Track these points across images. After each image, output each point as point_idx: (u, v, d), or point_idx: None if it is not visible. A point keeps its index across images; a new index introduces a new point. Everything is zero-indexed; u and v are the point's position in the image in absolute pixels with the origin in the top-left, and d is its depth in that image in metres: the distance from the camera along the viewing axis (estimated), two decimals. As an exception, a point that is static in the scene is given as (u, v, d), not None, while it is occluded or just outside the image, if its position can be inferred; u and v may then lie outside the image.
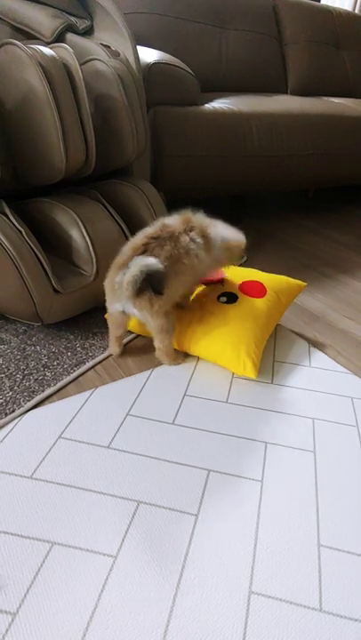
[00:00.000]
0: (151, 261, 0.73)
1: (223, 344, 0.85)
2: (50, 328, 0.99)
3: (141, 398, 0.80)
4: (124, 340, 0.94)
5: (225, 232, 0.88)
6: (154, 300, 0.76)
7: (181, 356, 0.91)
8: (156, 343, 0.85)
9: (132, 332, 0.98)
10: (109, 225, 1.03)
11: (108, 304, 0.83)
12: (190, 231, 0.82)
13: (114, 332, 0.88)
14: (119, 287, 0.76)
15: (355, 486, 0.65)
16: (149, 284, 0.75)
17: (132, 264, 0.73)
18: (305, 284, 1.05)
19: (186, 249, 0.79)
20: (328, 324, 1.10)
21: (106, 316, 0.90)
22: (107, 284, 0.80)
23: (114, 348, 0.90)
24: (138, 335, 0.98)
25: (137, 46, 1.21)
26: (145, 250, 0.77)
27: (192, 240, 0.81)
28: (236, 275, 1.01)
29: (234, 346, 0.84)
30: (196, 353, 0.89)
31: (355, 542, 0.58)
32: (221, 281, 0.99)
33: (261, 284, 0.97)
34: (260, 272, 1.03)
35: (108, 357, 0.91)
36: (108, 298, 0.81)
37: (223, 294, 0.94)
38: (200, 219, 0.86)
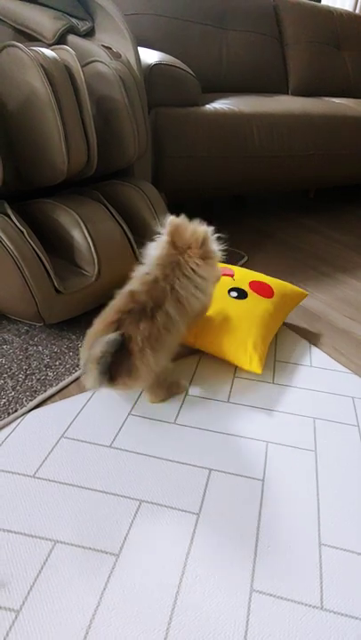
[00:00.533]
0: (102, 345, 0.63)
1: (232, 338, 0.85)
2: (52, 328, 0.99)
3: (143, 398, 0.80)
4: None
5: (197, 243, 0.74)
6: (130, 383, 0.68)
7: (184, 383, 0.83)
8: (147, 396, 0.79)
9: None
10: (111, 225, 1.04)
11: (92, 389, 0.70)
12: (177, 279, 0.71)
13: None
14: (87, 370, 0.66)
15: (355, 485, 0.66)
16: (114, 362, 0.65)
17: (87, 358, 0.65)
18: (307, 293, 1.06)
19: (165, 325, 0.69)
20: (329, 324, 1.10)
21: None
22: (81, 355, 0.71)
23: None
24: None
25: (138, 47, 1.21)
26: (118, 327, 0.67)
27: (167, 315, 0.69)
28: (244, 274, 1.02)
29: (242, 340, 0.85)
30: (203, 346, 0.89)
31: (356, 541, 0.58)
32: (231, 275, 1.00)
33: (269, 285, 0.99)
34: (266, 276, 1.04)
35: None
36: (90, 386, 0.68)
37: (233, 289, 0.95)
38: (176, 235, 0.74)
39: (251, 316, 0.88)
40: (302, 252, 1.58)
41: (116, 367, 0.66)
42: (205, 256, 0.75)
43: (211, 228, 0.77)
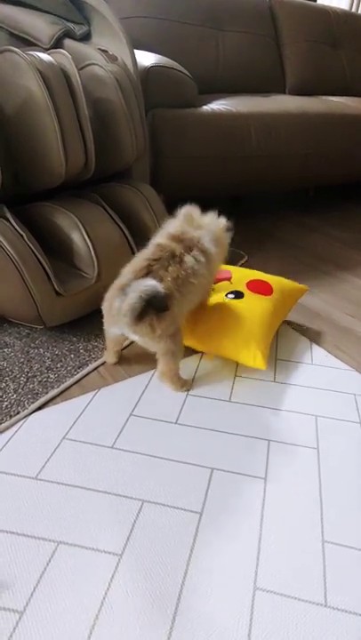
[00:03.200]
0: (150, 283, 0.69)
1: (234, 337, 0.85)
2: (53, 331, 0.99)
3: (144, 398, 0.80)
4: (125, 343, 0.94)
5: (210, 228, 0.84)
6: (156, 325, 0.72)
7: (188, 382, 0.84)
8: (160, 366, 0.80)
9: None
10: (110, 227, 1.04)
11: (105, 326, 0.79)
12: (191, 250, 0.78)
13: (111, 347, 0.87)
14: (117, 313, 0.71)
15: (358, 482, 0.66)
16: (151, 307, 0.70)
17: (129, 290, 0.69)
18: (307, 287, 1.06)
19: (192, 270, 0.76)
20: (330, 322, 1.10)
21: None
22: (105, 307, 0.76)
23: (110, 359, 0.89)
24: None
25: (134, 50, 1.22)
26: (148, 272, 0.73)
27: (196, 260, 0.77)
28: (242, 274, 1.02)
29: (244, 338, 0.85)
30: (206, 348, 0.90)
31: (359, 538, 0.58)
32: (228, 279, 1.00)
33: (268, 282, 0.99)
34: (265, 274, 1.04)
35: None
36: (105, 321, 0.78)
37: (231, 292, 0.95)
38: (190, 221, 0.83)
39: (251, 314, 0.88)
40: (302, 250, 1.58)
41: (147, 306, 0.69)
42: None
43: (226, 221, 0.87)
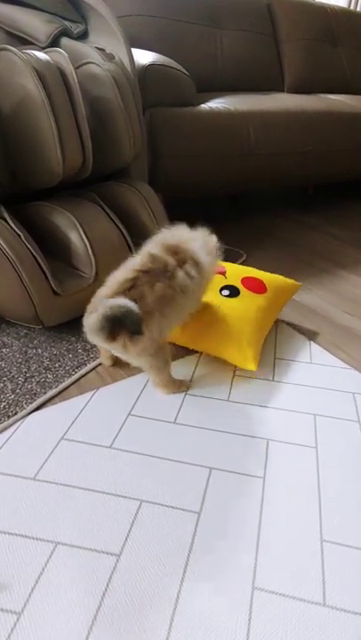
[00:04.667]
0: (117, 303, 0.64)
1: (225, 337, 0.85)
2: (51, 331, 0.99)
3: (143, 398, 0.80)
4: None
5: (203, 244, 0.80)
6: (129, 347, 0.68)
7: (184, 383, 0.83)
8: (150, 377, 0.79)
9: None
10: (108, 227, 1.04)
11: (89, 339, 0.72)
12: (184, 263, 0.73)
13: (104, 352, 0.86)
14: (89, 330, 0.67)
15: (357, 481, 0.65)
16: (124, 328, 0.66)
17: (100, 306, 0.65)
18: (300, 284, 1.06)
19: (182, 287, 0.72)
20: (328, 320, 1.10)
21: None
22: (84, 322, 0.70)
23: (106, 362, 0.88)
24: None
25: (132, 48, 1.22)
26: (132, 286, 0.68)
27: (188, 275, 0.73)
28: (236, 270, 1.02)
29: (236, 339, 0.84)
30: (199, 346, 0.89)
31: (358, 537, 0.58)
32: (223, 273, 0.99)
33: (261, 280, 0.98)
34: (259, 270, 1.03)
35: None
36: (88, 336, 0.71)
37: (225, 287, 0.95)
38: (180, 236, 0.79)
39: (243, 314, 0.88)
40: (301, 248, 1.58)
41: (119, 326, 0.65)
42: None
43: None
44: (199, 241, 0.80)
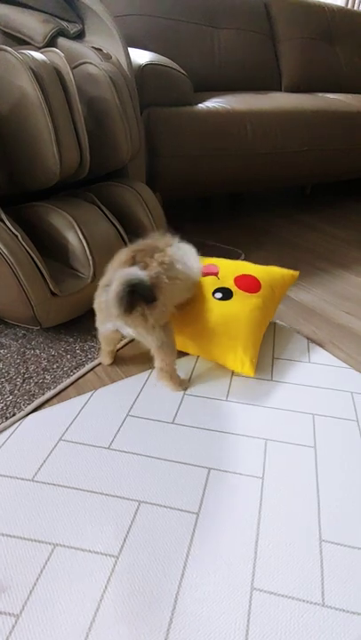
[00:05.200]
0: (132, 271, 0.69)
1: (221, 342, 0.85)
2: (49, 331, 0.99)
3: (141, 399, 0.80)
4: (119, 344, 0.93)
5: (179, 245, 0.85)
6: (148, 314, 0.71)
7: (185, 382, 0.84)
8: (157, 362, 0.79)
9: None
10: (106, 227, 1.04)
11: (98, 324, 0.79)
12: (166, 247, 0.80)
13: (106, 347, 0.86)
14: (106, 307, 0.72)
15: (356, 481, 0.65)
16: (139, 296, 0.69)
17: (113, 279, 0.69)
18: (298, 272, 1.03)
19: (175, 256, 0.78)
20: (326, 320, 1.10)
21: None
22: (95, 305, 0.77)
23: (106, 360, 0.89)
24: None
25: (129, 48, 1.21)
26: (132, 263, 0.73)
27: (176, 254, 0.79)
28: (230, 268, 0.99)
29: (231, 344, 0.84)
30: (195, 352, 0.89)
31: (357, 537, 0.58)
32: (215, 274, 0.97)
33: (255, 278, 0.95)
34: (252, 265, 1.00)
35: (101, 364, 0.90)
36: (98, 318, 0.78)
37: (218, 290, 0.93)
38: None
39: (238, 318, 0.86)
40: (299, 248, 1.58)
41: (135, 296, 0.68)
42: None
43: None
44: (174, 246, 0.83)
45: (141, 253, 0.75)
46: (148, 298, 0.70)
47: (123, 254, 0.76)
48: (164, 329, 0.75)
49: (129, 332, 0.76)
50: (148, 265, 0.73)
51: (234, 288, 0.92)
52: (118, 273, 0.69)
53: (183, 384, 0.83)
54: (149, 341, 0.76)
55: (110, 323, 0.76)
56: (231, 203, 2.11)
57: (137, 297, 0.69)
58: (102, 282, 0.75)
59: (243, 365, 0.83)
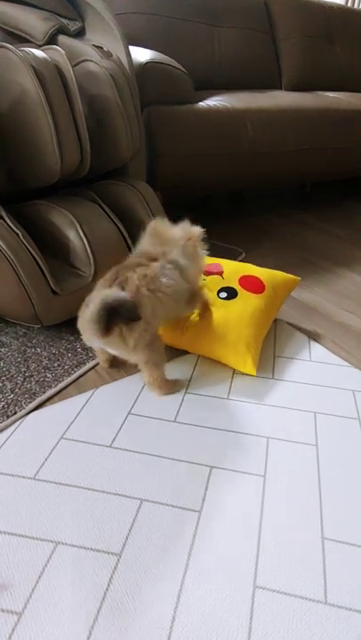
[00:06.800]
0: (110, 292, 0.66)
1: (224, 341, 0.85)
2: (50, 330, 0.99)
3: (142, 397, 0.80)
4: None
5: (178, 243, 0.80)
6: (127, 335, 0.68)
7: (179, 383, 0.83)
8: (145, 377, 0.78)
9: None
10: (106, 225, 1.03)
11: (85, 342, 0.77)
12: (156, 260, 0.76)
13: (101, 356, 0.86)
14: (84, 328, 0.70)
15: (358, 479, 0.65)
16: (120, 316, 0.67)
17: (90, 300, 0.67)
18: (299, 278, 1.06)
19: (159, 270, 0.74)
20: (327, 318, 1.10)
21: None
22: (79, 324, 0.74)
23: (103, 364, 0.88)
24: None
25: (130, 46, 1.21)
26: (115, 279, 0.71)
27: (162, 266, 0.75)
28: (234, 268, 1.01)
29: (234, 343, 0.84)
30: (197, 350, 0.89)
31: (359, 534, 0.58)
32: (220, 273, 0.99)
33: (259, 279, 0.97)
34: (256, 267, 1.03)
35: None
36: (83, 337, 0.75)
37: (223, 289, 0.94)
38: (157, 237, 0.80)
39: (241, 317, 0.87)
40: (300, 247, 1.57)
41: (114, 316, 0.66)
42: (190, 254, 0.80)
43: (200, 230, 0.83)
44: (172, 244, 0.79)
45: (124, 270, 0.73)
46: (132, 317, 0.67)
47: (109, 273, 0.74)
48: (149, 347, 0.72)
49: (110, 351, 0.74)
50: (127, 281, 0.70)
51: (238, 288, 0.94)
52: (96, 295, 0.67)
53: (177, 385, 0.82)
54: (134, 360, 0.75)
55: (94, 342, 0.75)
56: (231, 201, 2.11)
57: (115, 318, 0.66)
58: (86, 300, 0.73)
59: (245, 364, 0.83)
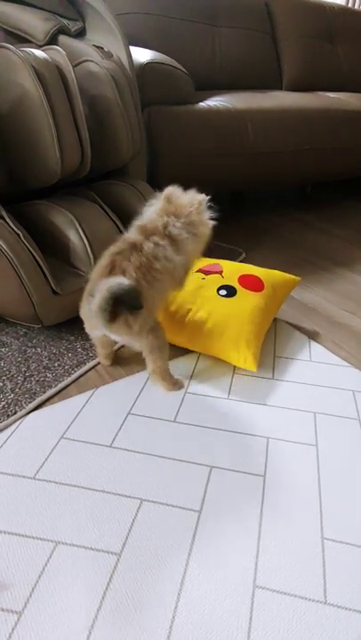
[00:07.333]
0: (116, 281, 0.67)
1: (224, 338, 0.85)
2: (50, 330, 0.99)
3: (143, 397, 0.80)
4: (116, 346, 0.92)
5: (182, 212, 0.79)
6: (132, 321, 0.70)
7: (180, 382, 0.83)
8: (149, 365, 0.78)
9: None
10: (106, 225, 1.03)
11: (88, 331, 0.79)
12: (151, 236, 0.75)
13: (102, 350, 0.86)
14: (90, 316, 0.71)
15: (357, 479, 0.65)
16: (124, 304, 0.68)
17: (96, 290, 0.68)
18: (299, 278, 1.06)
19: (153, 254, 0.73)
20: (328, 318, 1.10)
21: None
22: (81, 313, 0.76)
23: (104, 361, 0.88)
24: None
25: (130, 46, 1.21)
26: (112, 268, 0.71)
27: (156, 244, 0.74)
28: (233, 268, 1.01)
29: (234, 339, 0.84)
30: (197, 347, 0.89)
31: (359, 535, 0.58)
32: (220, 272, 0.99)
33: (259, 278, 0.98)
34: (256, 267, 1.03)
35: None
36: (86, 326, 0.78)
37: (222, 287, 0.94)
38: (169, 202, 0.79)
39: (241, 314, 0.88)
40: (300, 247, 1.57)
41: (119, 304, 0.67)
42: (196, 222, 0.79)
43: (206, 198, 0.82)
44: (176, 214, 0.79)
45: (120, 257, 0.72)
46: (135, 306, 0.69)
47: (103, 259, 0.74)
48: (152, 332, 0.74)
49: (116, 338, 0.75)
50: (125, 270, 0.71)
51: (238, 286, 0.94)
52: (102, 284, 0.67)
53: (178, 384, 0.82)
54: (138, 347, 0.76)
55: (97, 330, 0.76)
56: (232, 201, 2.11)
57: (120, 306, 0.68)
58: (86, 290, 0.74)
59: (245, 360, 0.83)
